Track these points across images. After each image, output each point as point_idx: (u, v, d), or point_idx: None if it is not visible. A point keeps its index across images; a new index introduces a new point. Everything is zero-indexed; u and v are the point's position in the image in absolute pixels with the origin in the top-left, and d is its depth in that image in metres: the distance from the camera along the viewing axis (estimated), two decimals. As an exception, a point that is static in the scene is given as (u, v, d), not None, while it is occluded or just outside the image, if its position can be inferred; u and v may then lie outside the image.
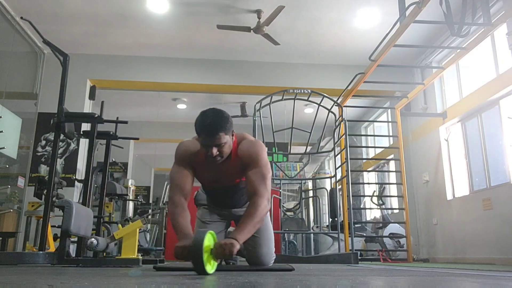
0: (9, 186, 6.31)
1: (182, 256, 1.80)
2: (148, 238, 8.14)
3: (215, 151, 2.10)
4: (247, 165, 2.21)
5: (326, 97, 5.07)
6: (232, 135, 2.19)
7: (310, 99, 5.12)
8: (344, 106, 5.61)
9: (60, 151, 6.31)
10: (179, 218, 2.08)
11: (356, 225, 6.84)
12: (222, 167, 2.24)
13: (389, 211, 7.17)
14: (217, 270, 2.12)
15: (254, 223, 2.05)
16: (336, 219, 5.44)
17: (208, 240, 1.75)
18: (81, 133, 4.19)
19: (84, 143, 6.35)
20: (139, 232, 3.21)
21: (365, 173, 9.00)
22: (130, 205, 8.20)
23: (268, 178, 2.21)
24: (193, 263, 1.69)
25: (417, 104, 6.97)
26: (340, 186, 5.76)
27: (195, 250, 1.66)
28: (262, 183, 2.16)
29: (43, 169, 6.19)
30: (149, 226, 8.61)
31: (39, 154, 6.31)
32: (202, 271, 1.69)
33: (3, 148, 5.07)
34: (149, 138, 9.96)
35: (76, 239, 3.51)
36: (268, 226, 2.64)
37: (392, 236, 6.15)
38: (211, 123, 2.08)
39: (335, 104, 5.13)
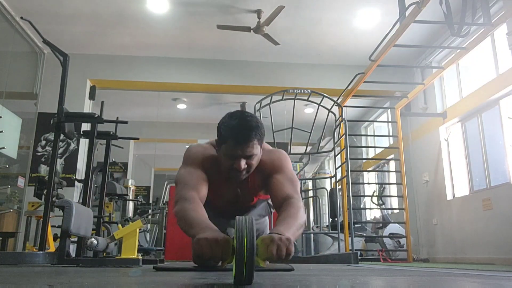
0: (9, 186, 6.31)
1: (211, 252, 1.14)
2: (148, 238, 8.14)
3: (243, 163, 1.68)
4: (269, 174, 1.79)
5: (326, 97, 5.07)
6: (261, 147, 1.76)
7: (310, 99, 5.12)
8: (344, 106, 5.61)
9: (60, 151, 6.31)
10: (193, 213, 1.49)
11: (356, 225, 6.83)
12: (241, 184, 1.86)
13: (389, 211, 7.17)
14: (217, 270, 2.09)
15: (297, 226, 1.50)
16: (336, 219, 5.44)
17: None
18: (81, 133, 4.19)
19: (84, 143, 6.35)
20: (139, 232, 3.21)
21: (365, 173, 9.00)
22: (130, 205, 8.21)
23: (298, 185, 1.76)
24: (237, 265, 1.04)
25: (417, 104, 6.97)
26: (340, 186, 5.76)
27: (242, 244, 1.03)
28: (292, 189, 1.70)
29: (43, 169, 6.19)
30: (149, 226, 8.62)
31: (39, 154, 6.31)
32: (249, 279, 1.05)
33: (3, 148, 5.07)
34: (149, 138, 9.96)
35: (76, 239, 3.51)
36: (267, 230, 2.48)
37: (392, 236, 6.15)
38: (244, 127, 1.64)
39: (335, 104, 5.13)
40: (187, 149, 1.89)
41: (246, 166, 1.70)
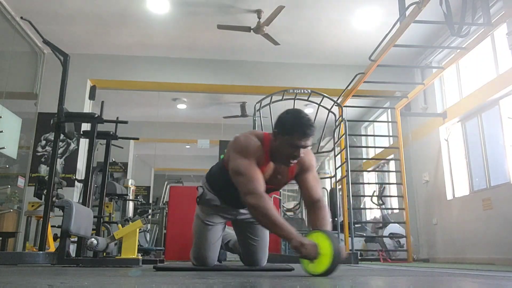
0: (9, 186, 6.30)
1: (314, 255, 1.74)
2: (148, 238, 8.14)
3: (302, 152, 2.00)
4: (304, 170, 2.18)
5: (326, 97, 5.06)
6: None
7: (310, 99, 5.12)
8: (344, 106, 5.60)
9: (60, 151, 6.31)
10: (276, 214, 1.89)
11: (356, 225, 6.83)
12: (282, 169, 2.17)
13: (389, 211, 7.16)
14: (217, 270, 2.12)
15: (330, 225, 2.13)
16: (336, 219, 5.44)
17: None
18: (81, 133, 4.18)
19: (84, 143, 6.34)
20: (139, 232, 3.21)
21: (365, 173, 8.99)
22: (130, 205, 8.20)
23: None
24: (332, 266, 1.71)
25: (417, 104, 6.97)
26: (340, 186, 5.76)
27: (338, 255, 1.72)
28: (320, 189, 2.21)
29: (43, 169, 6.19)
30: (149, 226, 8.62)
31: (39, 154, 6.31)
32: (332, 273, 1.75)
33: (3, 148, 5.07)
34: (149, 138, 9.96)
35: (76, 239, 3.51)
36: (267, 232, 2.69)
37: (392, 236, 6.15)
38: (310, 124, 1.94)
39: (335, 104, 5.13)
40: (238, 138, 2.12)
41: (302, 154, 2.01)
